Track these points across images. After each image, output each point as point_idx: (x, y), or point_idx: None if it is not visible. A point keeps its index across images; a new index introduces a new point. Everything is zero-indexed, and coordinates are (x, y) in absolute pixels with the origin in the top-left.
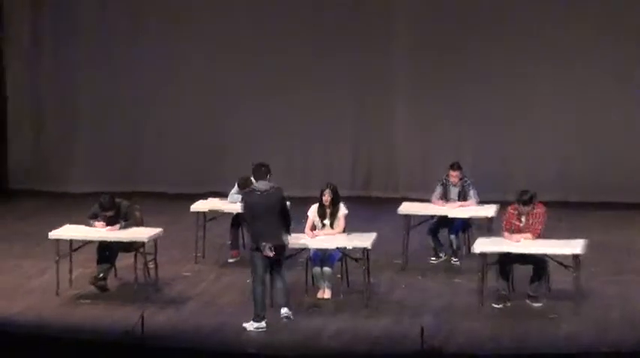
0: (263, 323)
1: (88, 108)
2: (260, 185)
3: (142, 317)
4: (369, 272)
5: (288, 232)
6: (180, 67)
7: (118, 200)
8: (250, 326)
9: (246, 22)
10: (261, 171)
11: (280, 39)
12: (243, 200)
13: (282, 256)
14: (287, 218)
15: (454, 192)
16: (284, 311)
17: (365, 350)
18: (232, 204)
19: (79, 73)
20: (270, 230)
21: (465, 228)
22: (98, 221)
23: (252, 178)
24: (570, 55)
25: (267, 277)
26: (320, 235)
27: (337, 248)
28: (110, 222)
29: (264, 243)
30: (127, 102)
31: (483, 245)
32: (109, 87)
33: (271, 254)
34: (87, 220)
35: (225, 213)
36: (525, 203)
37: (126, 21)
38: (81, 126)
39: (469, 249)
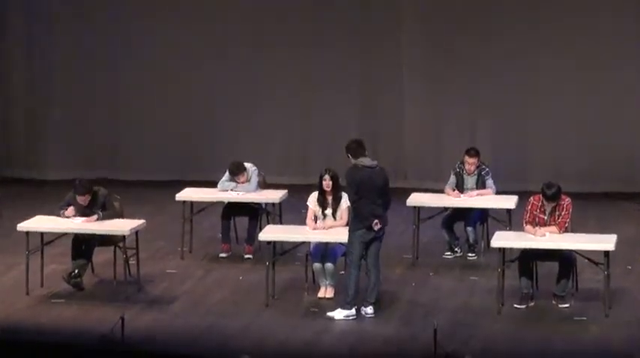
0: (353, 311)
1: (63, 91)
2: (366, 161)
3: (122, 319)
4: None
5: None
6: (167, 51)
7: (95, 188)
8: (338, 314)
9: (244, 11)
10: (361, 147)
11: (283, 23)
12: (349, 176)
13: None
14: (389, 199)
15: (470, 181)
16: (369, 310)
17: (371, 355)
18: (223, 193)
19: (55, 56)
20: (377, 208)
21: (483, 220)
22: (69, 210)
23: (350, 154)
24: (597, 42)
25: (363, 263)
26: (321, 227)
27: (340, 243)
28: (86, 212)
29: (376, 220)
30: (106, 85)
31: (503, 239)
32: (87, 69)
33: (377, 227)
34: (57, 210)
35: (215, 203)
36: (551, 198)
37: (104, 6)
38: (56, 110)
39: (488, 243)
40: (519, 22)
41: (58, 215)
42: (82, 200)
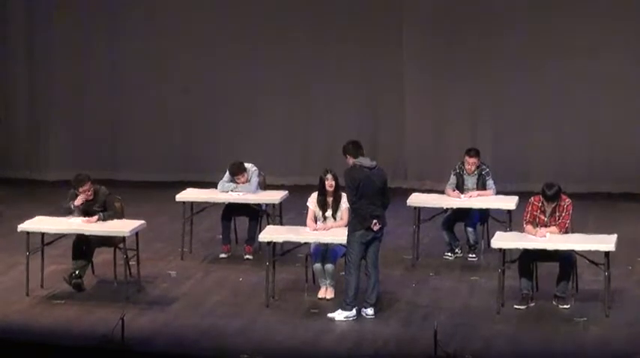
0: (354, 312)
1: (63, 91)
2: (365, 161)
3: (122, 320)
4: None
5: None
6: (167, 51)
7: (96, 186)
8: (339, 315)
9: (244, 11)
10: (358, 147)
11: (283, 22)
12: (349, 177)
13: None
14: (388, 198)
15: (470, 181)
16: (370, 311)
17: (371, 356)
18: (223, 194)
19: (55, 57)
20: (376, 209)
21: (484, 220)
22: (78, 199)
23: (349, 155)
24: (597, 41)
25: (362, 263)
26: (322, 228)
27: (340, 244)
28: (88, 211)
29: (375, 221)
30: (106, 85)
31: (504, 240)
32: (87, 69)
33: (376, 228)
34: (64, 204)
35: (215, 204)
36: (551, 199)
37: (105, 7)
38: (56, 110)
39: (488, 243)
40: (521, 22)
41: (65, 209)
42: (85, 191)
